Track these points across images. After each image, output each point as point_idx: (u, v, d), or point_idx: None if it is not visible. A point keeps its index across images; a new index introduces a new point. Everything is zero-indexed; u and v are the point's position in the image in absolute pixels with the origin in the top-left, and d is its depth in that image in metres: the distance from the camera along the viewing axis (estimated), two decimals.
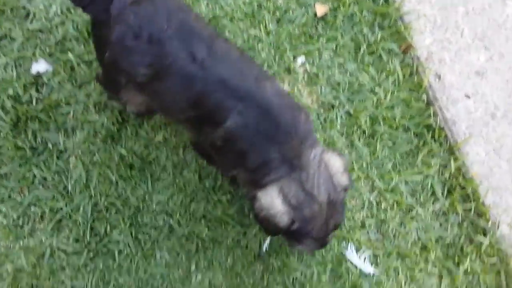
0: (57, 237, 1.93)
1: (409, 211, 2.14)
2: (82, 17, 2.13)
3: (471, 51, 2.35)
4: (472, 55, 2.34)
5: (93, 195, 1.97)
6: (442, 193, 2.19)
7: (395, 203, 2.13)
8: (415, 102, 2.28)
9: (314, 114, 2.19)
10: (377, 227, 2.11)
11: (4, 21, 2.12)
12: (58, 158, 2.01)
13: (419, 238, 2.12)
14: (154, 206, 2.00)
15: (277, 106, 1.50)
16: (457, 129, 2.26)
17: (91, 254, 1.92)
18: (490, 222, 2.14)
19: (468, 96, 2.29)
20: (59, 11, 2.14)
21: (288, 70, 2.24)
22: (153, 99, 1.62)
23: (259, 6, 2.26)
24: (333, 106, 2.22)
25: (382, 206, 2.12)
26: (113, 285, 1.91)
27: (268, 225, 1.55)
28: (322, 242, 1.62)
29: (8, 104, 2.02)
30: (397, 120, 2.23)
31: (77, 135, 2.03)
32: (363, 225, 2.10)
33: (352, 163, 2.15)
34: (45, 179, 1.99)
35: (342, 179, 1.58)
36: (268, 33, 2.24)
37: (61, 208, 1.95)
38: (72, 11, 2.14)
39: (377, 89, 2.26)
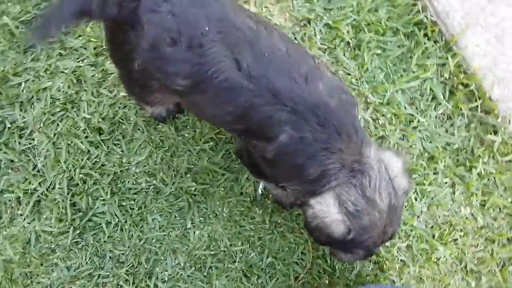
0: (39, 220, 1.80)
1: (410, 122, 1.95)
2: None
3: None
4: None
5: (66, 169, 1.81)
6: (444, 96, 1.99)
7: (393, 116, 1.94)
8: None
9: (289, 33, 1.95)
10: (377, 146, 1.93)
11: None
12: (20, 136, 1.83)
13: (424, 149, 1.95)
14: (134, 169, 1.84)
15: (333, 109, 1.30)
16: (451, 21, 2.01)
17: (78, 231, 1.79)
18: (500, 118, 1.96)
19: None
20: None
21: None
22: (193, 109, 1.49)
23: None
24: (309, 21, 1.98)
25: (380, 122, 1.93)
26: (110, 257, 1.80)
27: (320, 235, 1.40)
28: (371, 252, 1.48)
29: None
30: (383, 23, 1.99)
31: (35, 107, 1.84)
32: None
33: (341, 80, 1.94)
34: (12, 161, 1.82)
35: (403, 182, 1.42)
36: None
37: (36, 189, 1.80)
38: None
39: None
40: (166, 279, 1.80)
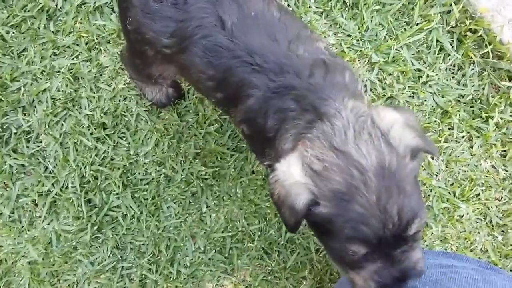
0: (57, 220, 1.83)
1: (418, 78, 1.87)
2: None
3: None
4: None
5: (76, 167, 1.82)
6: (452, 45, 1.90)
7: (400, 74, 1.86)
8: None
9: (281, 1, 1.88)
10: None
11: None
12: (27, 141, 1.84)
13: (437, 104, 1.87)
14: (142, 160, 1.84)
15: (300, 58, 1.17)
16: None
17: (96, 227, 1.81)
18: None
19: None
20: None
21: None
22: (183, 74, 1.41)
23: None
24: None
25: (387, 82, 1.86)
26: (131, 248, 1.83)
27: (285, 211, 1.06)
28: (391, 257, 1.02)
29: None
30: None
31: (37, 110, 1.84)
32: None
33: (341, 44, 1.87)
34: (23, 166, 1.84)
35: (405, 136, 1.04)
36: None
37: (50, 191, 1.82)
38: None
39: None
40: (188, 264, 1.81)
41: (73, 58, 1.86)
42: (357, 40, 1.87)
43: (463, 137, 1.88)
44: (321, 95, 1.11)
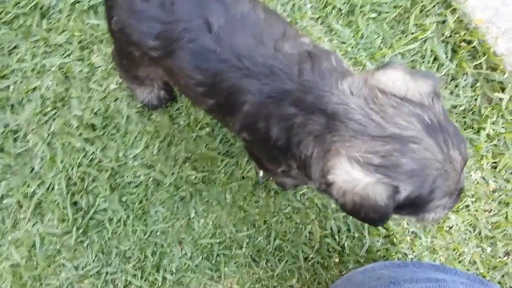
0: (41, 223, 1.79)
1: None
2: None
3: None
4: None
5: (63, 169, 1.79)
6: (446, 55, 1.89)
7: None
8: None
9: (277, 6, 1.87)
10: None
11: None
12: (14, 140, 1.81)
13: None
14: (131, 162, 1.81)
15: (287, 55, 1.14)
16: None
17: (82, 230, 1.78)
18: (507, 73, 1.85)
19: None
20: None
21: None
22: (171, 80, 1.35)
23: None
24: None
25: None
26: (116, 253, 1.79)
27: (368, 214, 1.02)
28: (457, 187, 1.06)
29: None
30: None
31: (25, 109, 1.81)
32: None
33: (336, 51, 1.85)
34: (9, 166, 1.81)
35: (419, 87, 1.03)
36: None
37: (36, 192, 1.79)
38: None
39: None
40: (174, 270, 1.78)
41: (65, 57, 1.83)
42: (352, 47, 1.86)
43: None
44: (318, 93, 1.07)
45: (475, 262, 1.83)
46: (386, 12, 1.88)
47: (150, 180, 1.80)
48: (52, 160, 1.79)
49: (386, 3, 1.88)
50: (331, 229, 1.80)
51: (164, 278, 1.77)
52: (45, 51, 1.83)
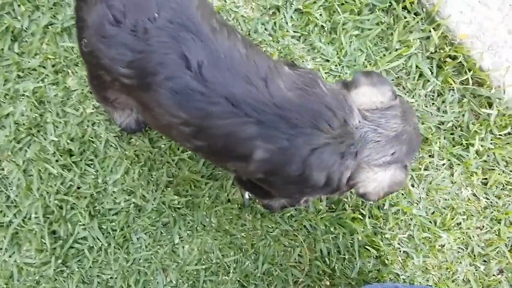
0: (19, 253, 1.71)
1: None
2: None
3: None
4: None
5: (39, 197, 1.71)
6: (432, 71, 1.87)
7: None
8: None
9: (258, 25, 1.83)
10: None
11: None
12: None
13: None
14: (111, 188, 1.74)
15: (301, 103, 1.16)
16: None
17: (61, 260, 1.70)
18: (493, 88, 1.83)
19: None
20: None
21: None
22: (147, 117, 1.28)
23: None
24: (278, 8, 1.85)
25: None
26: (98, 282, 1.72)
27: (396, 190, 1.36)
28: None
29: None
30: (357, 1, 1.86)
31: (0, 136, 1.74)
32: None
33: (319, 69, 1.82)
34: None
35: (379, 94, 1.29)
36: None
37: (12, 221, 1.71)
38: None
39: None
40: None
41: (39, 81, 1.76)
42: (336, 65, 1.82)
43: (443, 164, 1.84)
44: (350, 141, 1.21)
45: (468, 281, 1.79)
46: (369, 29, 1.85)
47: (131, 206, 1.74)
48: (28, 187, 1.72)
49: (369, 19, 1.85)
50: (321, 251, 1.75)
51: None
52: (18, 76, 1.76)
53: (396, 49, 1.85)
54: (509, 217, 1.81)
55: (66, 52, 1.76)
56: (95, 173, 1.74)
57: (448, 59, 1.85)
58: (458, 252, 1.80)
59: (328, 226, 1.77)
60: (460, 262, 1.79)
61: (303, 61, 1.81)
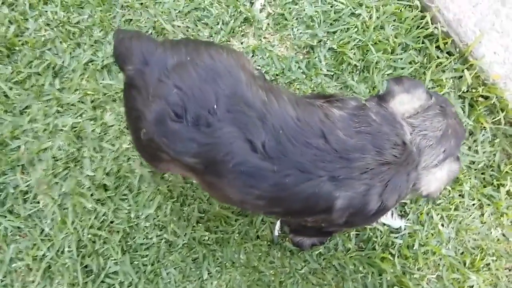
0: (51, 286, 1.73)
1: None
2: None
3: None
4: None
5: (73, 231, 1.74)
6: (464, 111, 1.86)
7: None
8: (407, 12, 1.89)
9: (292, 63, 1.84)
10: None
11: None
12: (24, 201, 1.76)
13: None
14: (143, 223, 1.76)
15: (363, 148, 1.21)
16: (464, 29, 1.87)
17: None
18: None
19: None
20: None
21: (248, 20, 1.87)
22: (215, 193, 1.35)
23: None
24: (312, 48, 1.87)
25: None
26: None
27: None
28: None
29: None
30: (391, 40, 1.86)
31: (37, 169, 1.77)
32: None
33: None
34: (19, 228, 1.76)
35: (415, 98, 1.36)
36: None
37: (45, 255, 1.74)
38: None
39: (358, 10, 1.88)
40: None
41: (77, 117, 1.79)
42: None
43: (474, 205, 1.83)
44: (414, 171, 1.29)
45: None
46: (402, 68, 1.85)
47: (162, 241, 1.76)
48: (62, 221, 1.75)
49: (402, 59, 1.86)
50: None
51: None
52: (57, 111, 1.80)
53: (429, 88, 1.85)
54: None
55: (104, 89, 1.80)
56: (128, 208, 1.77)
57: (480, 99, 1.85)
58: None
59: (357, 265, 1.77)
60: None
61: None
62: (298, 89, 1.82)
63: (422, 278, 1.77)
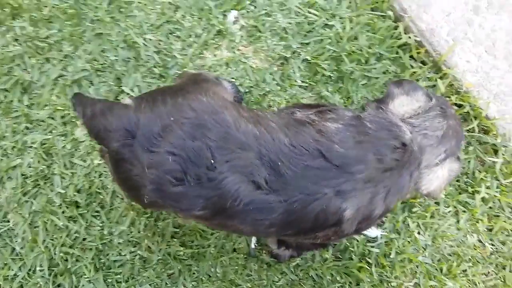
0: None
1: None
2: None
3: None
4: None
5: (44, 249, 1.71)
6: None
7: None
8: (380, 22, 1.90)
9: (267, 75, 1.83)
10: None
11: None
12: None
13: None
14: (116, 240, 1.73)
15: (363, 158, 1.22)
16: (437, 38, 1.88)
17: None
18: (499, 137, 1.84)
19: None
20: None
21: (221, 33, 1.86)
22: (223, 229, 1.43)
23: None
24: (286, 59, 1.86)
25: None
26: None
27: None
28: None
29: None
30: (364, 51, 1.86)
31: (6, 187, 1.73)
32: None
33: None
34: None
35: (414, 100, 1.40)
36: None
37: (17, 274, 1.70)
38: None
39: (331, 21, 1.88)
40: None
41: (47, 133, 1.76)
42: None
43: (449, 212, 1.84)
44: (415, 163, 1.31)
45: None
46: (376, 78, 1.86)
47: (136, 258, 1.73)
48: (33, 240, 1.71)
49: (376, 69, 1.86)
50: None
51: None
52: (27, 127, 1.76)
53: None
54: None
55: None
56: (101, 224, 1.73)
57: (454, 107, 1.86)
58: None
59: (335, 276, 1.77)
60: None
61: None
62: (272, 100, 1.81)
63: (399, 286, 1.77)
